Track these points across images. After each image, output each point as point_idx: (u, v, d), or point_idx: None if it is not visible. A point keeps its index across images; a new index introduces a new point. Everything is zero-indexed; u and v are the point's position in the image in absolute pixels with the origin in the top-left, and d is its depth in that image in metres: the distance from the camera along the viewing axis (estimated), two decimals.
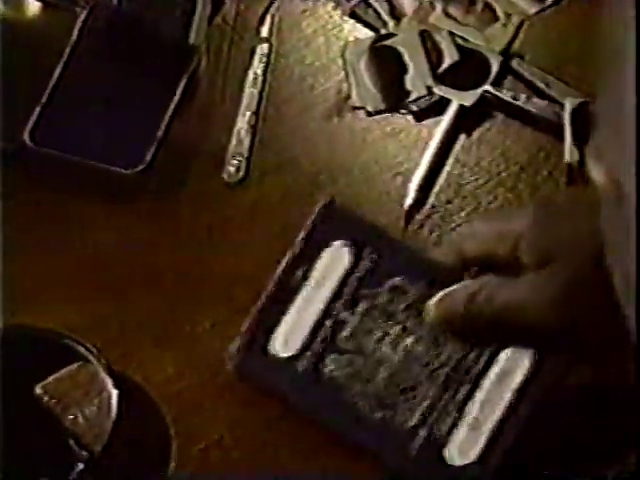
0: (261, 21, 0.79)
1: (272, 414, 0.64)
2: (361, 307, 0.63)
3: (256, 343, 0.63)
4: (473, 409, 0.61)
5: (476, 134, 0.74)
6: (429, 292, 0.62)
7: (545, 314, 0.59)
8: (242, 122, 0.75)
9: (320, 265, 0.64)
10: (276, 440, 0.64)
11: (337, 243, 0.64)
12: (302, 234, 0.65)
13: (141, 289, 0.69)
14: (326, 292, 0.63)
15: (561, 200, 0.63)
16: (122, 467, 0.57)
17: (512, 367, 0.61)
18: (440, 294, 0.62)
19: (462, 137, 0.74)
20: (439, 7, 0.77)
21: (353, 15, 0.79)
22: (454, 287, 0.62)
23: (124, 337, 0.67)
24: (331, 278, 0.64)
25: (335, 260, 0.64)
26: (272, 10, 0.80)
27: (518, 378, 0.61)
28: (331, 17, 0.79)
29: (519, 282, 0.60)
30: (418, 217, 0.71)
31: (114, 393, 0.56)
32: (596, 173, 0.40)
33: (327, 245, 0.64)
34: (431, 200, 0.72)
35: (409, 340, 0.63)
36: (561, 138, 0.72)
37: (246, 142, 0.74)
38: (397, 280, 0.63)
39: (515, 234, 0.59)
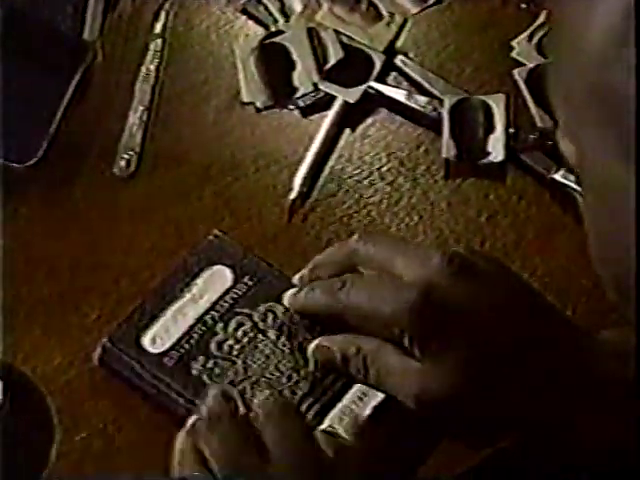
0: (155, 17, 0.81)
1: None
2: (234, 322, 0.65)
3: (126, 336, 0.65)
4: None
5: (359, 129, 0.77)
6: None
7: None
8: (134, 117, 0.77)
9: (201, 281, 0.66)
10: (156, 430, 0.66)
11: (220, 266, 0.67)
12: (188, 253, 0.67)
13: (31, 280, 0.71)
14: (203, 304, 0.65)
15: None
16: (3, 457, 0.59)
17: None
18: (319, 340, 0.61)
19: (346, 132, 0.77)
20: (325, 6, 0.79)
21: (245, 12, 0.81)
22: (335, 338, 0.60)
23: (13, 327, 0.69)
24: (210, 293, 0.66)
25: (216, 279, 0.66)
26: (166, 6, 0.82)
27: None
28: (224, 13, 0.82)
29: (408, 365, 0.55)
30: (302, 210, 0.74)
31: None
32: (564, 146, 0.41)
33: (211, 265, 0.66)
34: (315, 194, 0.74)
35: (277, 353, 0.64)
36: (440, 133, 0.75)
37: (138, 137, 0.77)
38: (271, 304, 0.65)
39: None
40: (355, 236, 0.61)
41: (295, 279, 0.63)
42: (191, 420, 0.58)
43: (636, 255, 0.37)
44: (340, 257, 0.61)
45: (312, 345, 0.61)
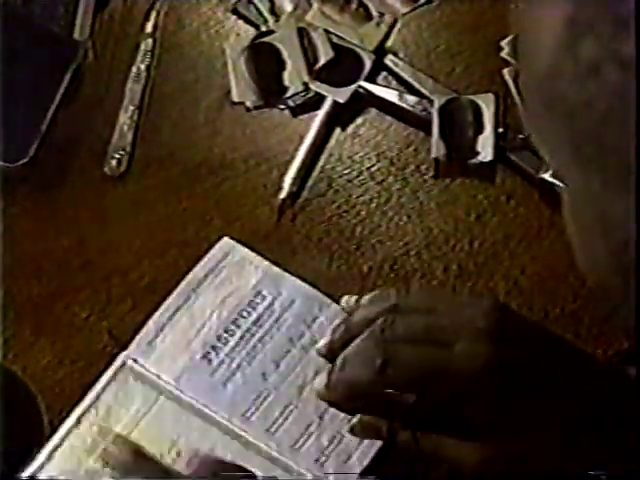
0: (146, 17, 0.81)
1: None
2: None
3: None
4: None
5: (349, 129, 0.77)
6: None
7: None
8: (125, 117, 0.77)
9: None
10: None
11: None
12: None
13: (20, 279, 0.71)
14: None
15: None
16: None
17: None
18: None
19: (336, 132, 0.77)
20: (316, 6, 0.80)
21: (235, 12, 0.82)
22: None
23: (3, 326, 0.69)
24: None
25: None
26: (157, 6, 0.82)
27: None
28: (214, 13, 0.82)
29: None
30: (292, 209, 0.74)
31: None
32: (542, 152, 0.41)
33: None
34: (305, 193, 0.75)
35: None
36: (429, 133, 0.75)
37: (128, 136, 0.77)
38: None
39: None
40: (391, 297, 0.61)
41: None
42: None
43: (636, 258, 0.37)
44: (374, 337, 0.59)
45: (354, 421, 0.61)
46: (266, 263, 0.70)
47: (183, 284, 0.69)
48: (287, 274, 0.69)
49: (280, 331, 0.67)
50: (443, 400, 0.58)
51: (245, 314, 0.68)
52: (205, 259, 0.70)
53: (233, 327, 0.68)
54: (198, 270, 0.70)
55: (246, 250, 0.71)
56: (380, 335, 0.58)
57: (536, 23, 0.36)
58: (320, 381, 0.62)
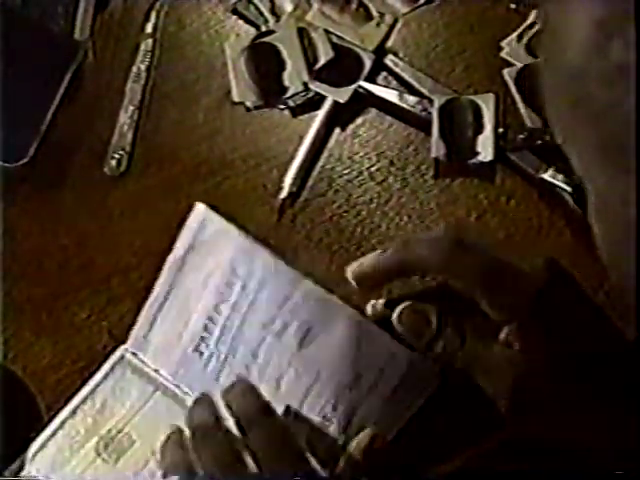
0: (146, 17, 0.81)
1: None
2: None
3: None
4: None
5: (349, 129, 0.77)
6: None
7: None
8: (125, 117, 0.77)
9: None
10: None
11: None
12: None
13: (21, 279, 0.71)
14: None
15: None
16: None
17: None
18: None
19: (336, 132, 0.77)
20: (316, 6, 0.80)
21: (235, 11, 0.82)
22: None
23: (3, 326, 0.69)
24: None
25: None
26: (157, 6, 0.82)
27: None
28: (214, 13, 0.82)
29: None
30: (292, 210, 0.74)
31: None
32: (566, 151, 0.41)
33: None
34: (305, 193, 0.75)
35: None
36: (429, 133, 0.75)
37: (128, 136, 0.77)
38: None
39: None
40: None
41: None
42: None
43: (636, 257, 0.38)
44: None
45: (401, 307, 0.61)
46: (239, 236, 0.69)
47: (166, 268, 0.68)
48: (260, 246, 0.69)
49: (255, 316, 0.67)
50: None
51: (225, 297, 0.67)
52: (182, 235, 0.69)
53: (215, 314, 0.67)
54: (178, 248, 0.69)
55: (219, 219, 0.70)
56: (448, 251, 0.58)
57: (566, 23, 0.36)
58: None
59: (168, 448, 0.59)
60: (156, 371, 0.66)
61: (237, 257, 0.68)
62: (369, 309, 0.65)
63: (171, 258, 0.69)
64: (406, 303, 0.61)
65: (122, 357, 0.67)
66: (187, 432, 0.60)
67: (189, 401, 0.65)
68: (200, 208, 0.70)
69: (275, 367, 0.66)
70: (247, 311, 0.67)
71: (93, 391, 0.65)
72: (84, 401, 0.65)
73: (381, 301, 0.65)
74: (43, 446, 0.64)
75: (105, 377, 0.66)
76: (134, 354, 0.67)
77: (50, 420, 0.65)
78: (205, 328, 0.67)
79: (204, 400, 0.62)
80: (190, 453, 0.58)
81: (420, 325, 0.60)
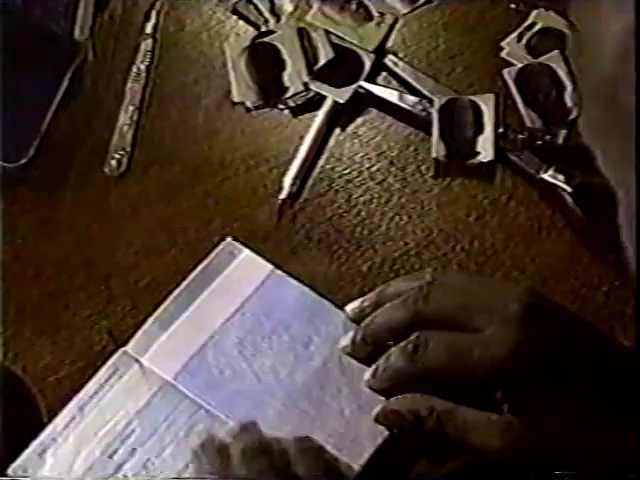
0: (146, 17, 0.82)
1: None
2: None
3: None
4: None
5: (349, 129, 0.77)
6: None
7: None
8: (125, 117, 0.77)
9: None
10: None
11: None
12: None
13: (20, 279, 0.71)
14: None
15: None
16: None
17: None
18: (385, 404, 0.61)
19: (336, 132, 0.77)
20: (316, 6, 0.80)
21: (235, 12, 0.82)
22: (401, 401, 0.61)
23: (3, 326, 0.69)
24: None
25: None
26: (157, 6, 0.82)
27: None
28: (214, 13, 0.82)
29: (490, 419, 0.57)
30: (292, 210, 0.74)
31: None
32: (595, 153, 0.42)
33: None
34: (305, 193, 0.75)
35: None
36: (429, 133, 0.75)
37: (128, 137, 0.77)
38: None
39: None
40: (427, 275, 0.62)
41: (348, 309, 0.65)
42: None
43: (636, 256, 0.38)
44: (406, 306, 0.60)
45: (377, 410, 0.61)
46: (268, 270, 0.70)
47: (185, 284, 0.69)
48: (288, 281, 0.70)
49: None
50: (472, 385, 0.58)
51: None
52: (207, 261, 0.70)
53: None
54: (201, 272, 0.70)
55: (247, 253, 0.71)
56: (413, 305, 0.59)
57: (601, 29, 0.37)
58: (368, 375, 0.63)
59: (206, 455, 0.59)
60: (157, 373, 0.66)
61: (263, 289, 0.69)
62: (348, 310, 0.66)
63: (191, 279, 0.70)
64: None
65: (124, 359, 0.67)
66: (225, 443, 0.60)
67: (195, 401, 0.65)
68: (229, 242, 0.71)
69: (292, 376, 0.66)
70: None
71: (95, 392, 0.65)
72: (87, 402, 0.65)
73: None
74: (48, 447, 0.64)
75: (108, 378, 0.66)
76: (136, 359, 0.67)
77: (50, 420, 0.65)
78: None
79: (251, 424, 0.62)
80: (236, 469, 0.58)
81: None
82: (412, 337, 0.59)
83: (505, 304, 0.57)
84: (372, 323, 0.62)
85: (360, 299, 0.65)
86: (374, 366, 0.62)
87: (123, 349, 0.67)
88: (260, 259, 0.70)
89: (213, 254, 0.71)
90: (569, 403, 0.56)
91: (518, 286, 0.60)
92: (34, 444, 0.64)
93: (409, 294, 0.60)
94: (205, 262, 0.70)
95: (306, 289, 0.69)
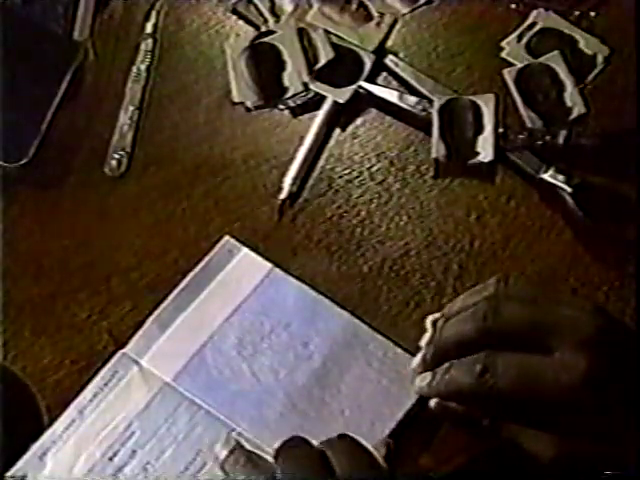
0: (146, 17, 0.82)
1: None
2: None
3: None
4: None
5: (349, 129, 0.77)
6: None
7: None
8: (125, 117, 0.77)
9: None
10: None
11: None
12: None
13: (20, 279, 0.71)
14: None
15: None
16: None
17: None
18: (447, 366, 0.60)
19: (336, 132, 0.77)
20: (316, 6, 0.80)
21: (235, 12, 0.82)
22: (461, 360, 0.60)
23: (3, 326, 0.69)
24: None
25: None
26: (157, 6, 0.82)
27: None
28: (214, 14, 0.82)
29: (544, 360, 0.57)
30: (292, 210, 0.74)
31: None
32: None
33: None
34: (305, 193, 0.75)
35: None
36: (429, 133, 0.75)
37: (128, 137, 0.77)
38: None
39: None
40: (491, 287, 0.60)
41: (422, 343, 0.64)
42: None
43: (636, 256, 0.38)
44: (475, 321, 0.59)
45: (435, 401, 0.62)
46: (267, 268, 0.70)
47: (183, 285, 0.70)
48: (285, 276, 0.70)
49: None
50: (539, 408, 0.57)
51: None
52: (205, 261, 0.70)
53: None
54: (199, 272, 0.70)
55: (245, 252, 0.71)
56: (482, 320, 0.58)
57: None
58: (420, 381, 0.62)
59: (236, 463, 0.59)
60: (156, 375, 0.66)
61: (262, 288, 0.69)
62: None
63: (190, 279, 0.70)
64: None
65: (124, 360, 0.67)
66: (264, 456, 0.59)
67: (195, 402, 0.65)
68: (227, 240, 0.71)
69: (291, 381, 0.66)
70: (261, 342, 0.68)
71: (95, 394, 0.65)
72: (87, 404, 0.65)
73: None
74: (48, 449, 0.64)
75: (108, 380, 0.66)
76: (136, 361, 0.67)
77: (50, 420, 0.65)
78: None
79: (297, 440, 0.61)
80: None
81: None
82: (480, 355, 0.57)
83: (576, 325, 0.56)
84: (441, 338, 0.61)
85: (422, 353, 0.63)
86: (428, 374, 0.61)
87: (122, 351, 0.67)
88: (259, 257, 0.70)
89: (212, 253, 0.71)
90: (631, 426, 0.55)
91: (587, 302, 0.59)
92: (34, 447, 0.64)
93: (477, 308, 0.59)
94: (204, 261, 0.70)
95: (305, 287, 0.69)
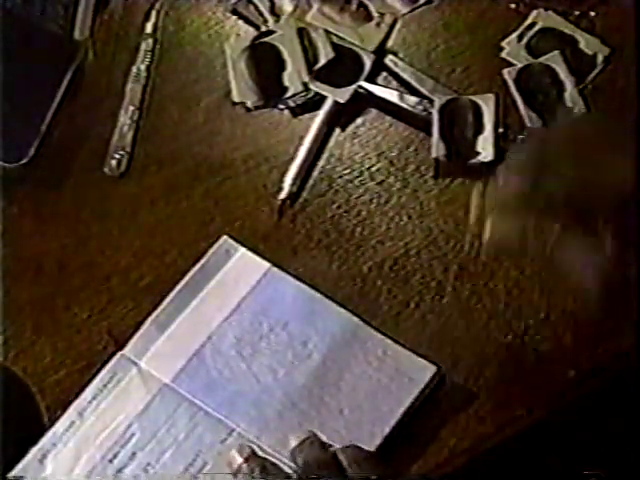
0: (146, 17, 0.81)
1: None
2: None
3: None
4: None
5: (349, 129, 0.77)
6: None
7: None
8: (125, 117, 0.77)
9: None
10: None
11: None
12: None
13: (21, 279, 0.72)
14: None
15: None
16: None
17: None
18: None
19: (336, 132, 0.77)
20: (316, 6, 0.80)
21: (235, 12, 0.82)
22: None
23: (3, 326, 0.69)
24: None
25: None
26: (157, 6, 0.82)
27: None
28: (214, 14, 0.82)
29: None
30: (292, 209, 0.74)
31: None
32: None
33: None
34: (305, 193, 0.75)
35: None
36: (429, 133, 0.75)
37: (129, 137, 0.77)
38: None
39: None
40: None
41: None
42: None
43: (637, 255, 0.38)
44: None
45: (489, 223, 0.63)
46: (265, 268, 0.70)
47: (181, 285, 0.70)
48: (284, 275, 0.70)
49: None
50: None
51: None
52: (203, 261, 0.70)
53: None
54: (197, 272, 0.70)
55: (243, 251, 0.71)
56: None
57: None
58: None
59: (250, 472, 0.59)
60: (155, 376, 0.66)
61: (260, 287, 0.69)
62: None
63: (188, 279, 0.70)
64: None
65: (123, 362, 0.67)
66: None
67: (194, 402, 0.65)
68: (225, 240, 0.72)
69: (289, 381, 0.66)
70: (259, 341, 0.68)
71: (94, 396, 0.65)
72: (87, 405, 0.65)
73: None
74: (48, 452, 0.64)
75: (107, 381, 0.66)
76: (135, 362, 0.67)
77: (50, 420, 0.65)
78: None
79: (313, 438, 0.61)
80: None
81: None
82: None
83: None
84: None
85: None
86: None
87: (121, 352, 0.67)
88: (256, 257, 0.70)
89: (209, 253, 0.71)
90: None
91: None
92: (34, 450, 0.64)
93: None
94: (201, 261, 0.70)
95: (303, 286, 0.69)
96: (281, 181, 0.75)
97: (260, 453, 0.61)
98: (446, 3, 0.80)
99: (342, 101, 0.77)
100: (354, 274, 0.71)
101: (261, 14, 0.81)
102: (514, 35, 0.78)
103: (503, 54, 0.78)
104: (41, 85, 0.77)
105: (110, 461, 0.64)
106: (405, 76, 0.78)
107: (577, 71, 0.76)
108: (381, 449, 0.64)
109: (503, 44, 0.78)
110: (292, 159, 0.76)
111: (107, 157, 0.76)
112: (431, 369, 0.66)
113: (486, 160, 0.73)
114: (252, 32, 0.80)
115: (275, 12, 0.81)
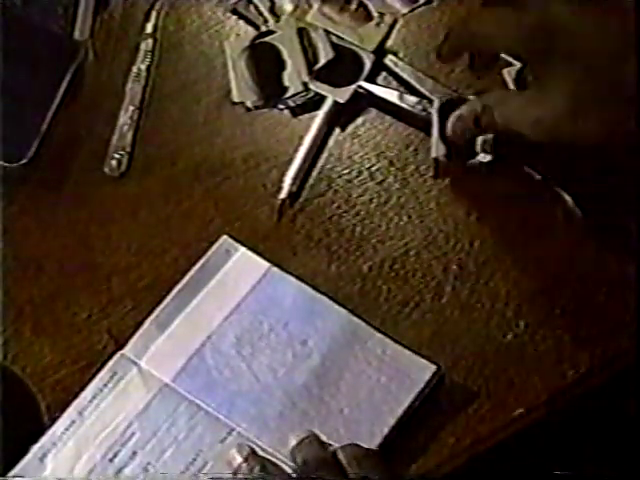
0: (146, 17, 0.82)
1: None
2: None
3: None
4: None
5: (349, 129, 0.77)
6: None
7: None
8: (125, 117, 0.77)
9: None
10: None
11: None
12: None
13: (21, 279, 0.72)
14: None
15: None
16: None
17: None
18: (452, 117, 0.70)
19: (336, 132, 0.77)
20: (316, 6, 0.80)
21: (235, 12, 0.82)
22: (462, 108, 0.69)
23: (3, 326, 0.69)
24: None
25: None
26: (157, 6, 0.82)
27: None
28: (214, 13, 0.82)
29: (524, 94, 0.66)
30: (292, 210, 0.74)
31: None
32: None
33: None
34: (304, 193, 0.75)
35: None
36: (429, 133, 0.75)
37: (128, 137, 0.77)
38: None
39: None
40: None
41: None
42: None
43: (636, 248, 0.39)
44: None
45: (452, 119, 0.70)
46: (265, 267, 0.70)
47: (181, 285, 0.70)
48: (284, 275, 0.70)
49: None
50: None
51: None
52: (203, 261, 0.70)
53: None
54: (197, 272, 0.70)
55: (243, 251, 0.71)
56: None
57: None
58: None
59: (250, 471, 0.59)
60: (155, 376, 0.66)
61: (260, 287, 0.69)
62: None
63: (188, 279, 0.70)
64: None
65: (122, 362, 0.67)
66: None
67: (194, 402, 0.65)
68: (225, 240, 0.72)
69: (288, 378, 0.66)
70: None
71: (94, 395, 0.66)
72: (87, 405, 0.65)
73: None
74: (48, 451, 0.64)
75: (107, 381, 0.66)
76: (134, 362, 0.67)
77: (50, 420, 0.65)
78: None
79: (312, 437, 0.61)
80: None
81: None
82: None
83: None
84: None
85: None
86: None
87: (121, 352, 0.67)
88: (256, 257, 0.71)
89: (209, 252, 0.71)
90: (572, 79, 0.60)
91: None
92: (34, 449, 0.64)
93: None
94: (201, 261, 0.70)
95: (303, 286, 0.69)
96: (281, 181, 0.75)
97: (260, 452, 0.61)
98: (446, 3, 0.80)
99: (342, 101, 0.77)
100: (354, 274, 0.71)
101: (261, 14, 0.81)
102: None
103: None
104: (41, 85, 0.77)
105: (110, 460, 0.64)
106: (405, 76, 0.78)
107: None
108: (381, 448, 0.64)
109: None
110: (292, 159, 0.76)
111: (107, 157, 0.76)
112: (431, 368, 0.66)
113: (486, 160, 0.73)
114: (252, 32, 0.80)
115: (275, 12, 0.81)
